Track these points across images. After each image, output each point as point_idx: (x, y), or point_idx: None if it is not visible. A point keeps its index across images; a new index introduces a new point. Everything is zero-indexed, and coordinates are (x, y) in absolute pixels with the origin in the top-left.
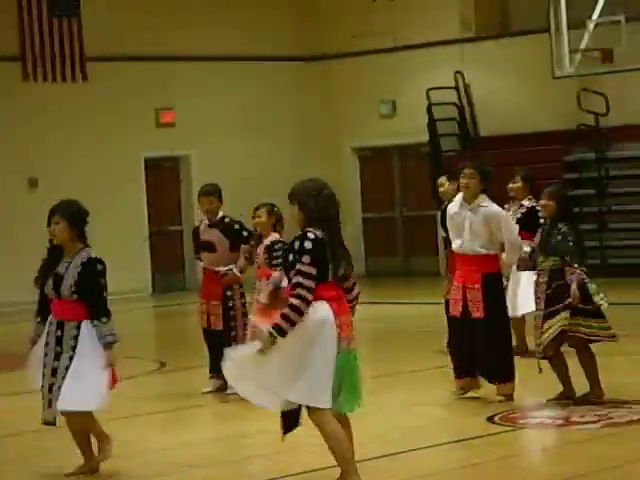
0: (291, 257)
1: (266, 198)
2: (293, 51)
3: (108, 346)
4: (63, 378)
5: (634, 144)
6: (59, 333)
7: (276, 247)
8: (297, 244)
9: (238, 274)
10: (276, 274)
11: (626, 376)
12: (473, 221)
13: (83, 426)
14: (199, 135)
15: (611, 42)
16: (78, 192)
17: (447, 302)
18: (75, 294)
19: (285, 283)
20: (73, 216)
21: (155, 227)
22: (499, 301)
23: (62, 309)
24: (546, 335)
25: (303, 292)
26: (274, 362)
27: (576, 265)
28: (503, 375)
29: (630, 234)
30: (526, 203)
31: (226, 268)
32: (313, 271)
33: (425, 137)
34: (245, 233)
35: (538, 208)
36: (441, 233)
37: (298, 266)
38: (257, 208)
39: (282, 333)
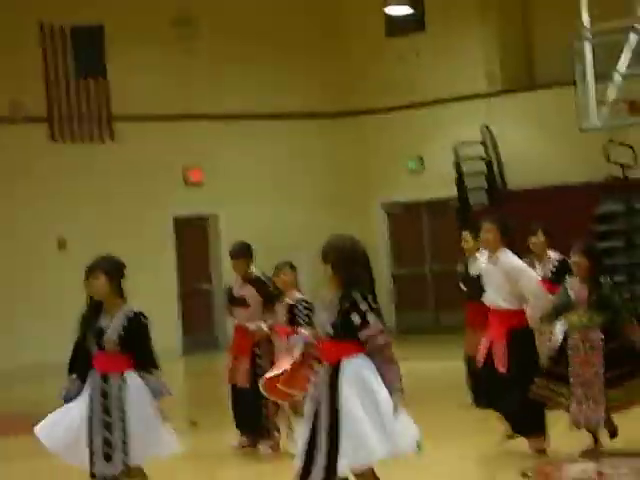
0: (357, 319)
1: (296, 256)
2: (322, 107)
3: (160, 396)
4: (122, 430)
5: None
6: (104, 385)
7: (300, 306)
8: (362, 306)
9: (267, 331)
10: (305, 332)
11: None
12: (494, 275)
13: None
14: (228, 194)
15: (637, 93)
16: (107, 252)
17: (469, 357)
18: (119, 346)
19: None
20: (112, 270)
21: (184, 287)
22: (525, 356)
23: (106, 361)
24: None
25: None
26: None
27: (635, 321)
28: (533, 429)
29: None
30: (554, 256)
31: (255, 324)
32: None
33: (453, 192)
34: (277, 291)
35: (569, 260)
36: (462, 287)
37: (378, 327)
38: (278, 267)
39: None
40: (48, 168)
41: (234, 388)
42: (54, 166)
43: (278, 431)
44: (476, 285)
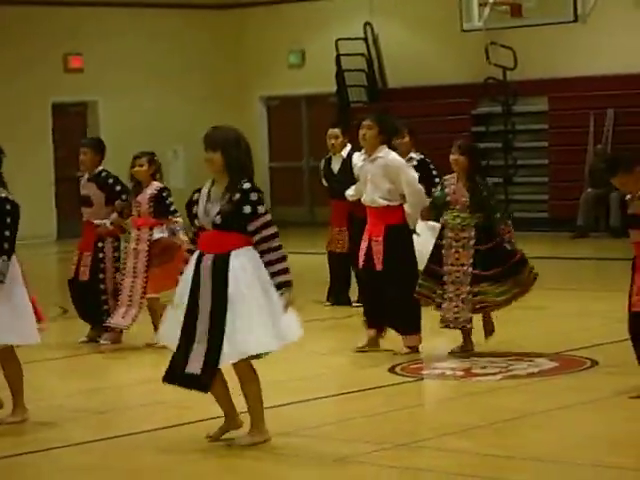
0: (248, 209)
1: (174, 146)
2: None
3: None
4: None
5: (540, 98)
6: None
7: (164, 195)
8: (251, 196)
9: (110, 227)
10: (179, 220)
11: (528, 329)
12: (373, 173)
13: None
14: (108, 82)
15: None
16: None
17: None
18: None
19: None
20: None
21: (60, 173)
22: (402, 253)
23: None
24: (499, 299)
25: (278, 239)
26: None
27: (509, 223)
28: (408, 327)
29: (534, 188)
30: (415, 156)
31: (100, 222)
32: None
33: (333, 88)
34: (118, 188)
35: (428, 160)
36: (324, 183)
37: (266, 217)
38: (137, 157)
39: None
40: None
41: (74, 282)
42: None
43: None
44: (338, 182)
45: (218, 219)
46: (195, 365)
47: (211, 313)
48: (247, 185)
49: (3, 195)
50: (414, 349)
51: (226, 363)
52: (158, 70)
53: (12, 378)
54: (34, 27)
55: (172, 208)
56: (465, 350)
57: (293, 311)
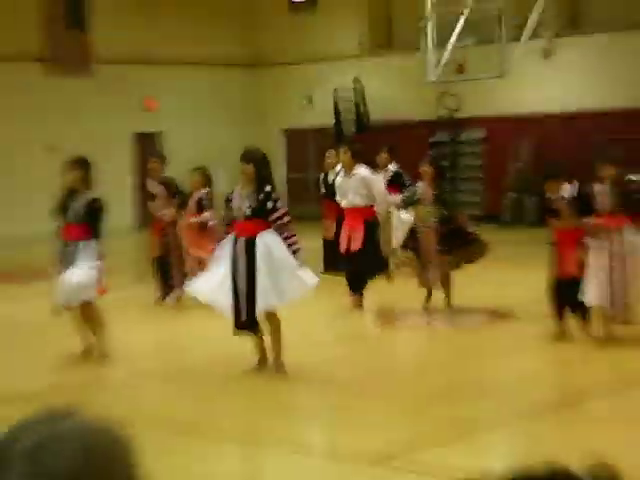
0: (270, 204)
1: (220, 162)
2: (244, 60)
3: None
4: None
5: (477, 130)
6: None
7: (205, 197)
8: (271, 195)
9: (171, 216)
10: (208, 214)
11: (476, 290)
12: (352, 184)
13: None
14: (172, 118)
15: (463, 59)
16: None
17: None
18: (78, 221)
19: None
20: (83, 166)
21: (138, 179)
22: (372, 238)
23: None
24: (452, 265)
25: (293, 231)
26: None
27: (464, 212)
28: (356, 289)
29: (472, 193)
30: (392, 168)
31: (163, 212)
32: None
33: (332, 122)
34: (177, 189)
35: (401, 171)
36: (322, 190)
37: (283, 211)
38: (191, 172)
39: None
40: (42, 99)
41: (158, 260)
42: (47, 97)
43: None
44: (332, 188)
45: (249, 211)
46: (244, 314)
47: (247, 278)
48: (268, 188)
49: (93, 196)
50: (360, 306)
51: (261, 311)
52: (208, 110)
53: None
54: (123, 79)
55: (207, 205)
56: (428, 305)
57: (305, 266)
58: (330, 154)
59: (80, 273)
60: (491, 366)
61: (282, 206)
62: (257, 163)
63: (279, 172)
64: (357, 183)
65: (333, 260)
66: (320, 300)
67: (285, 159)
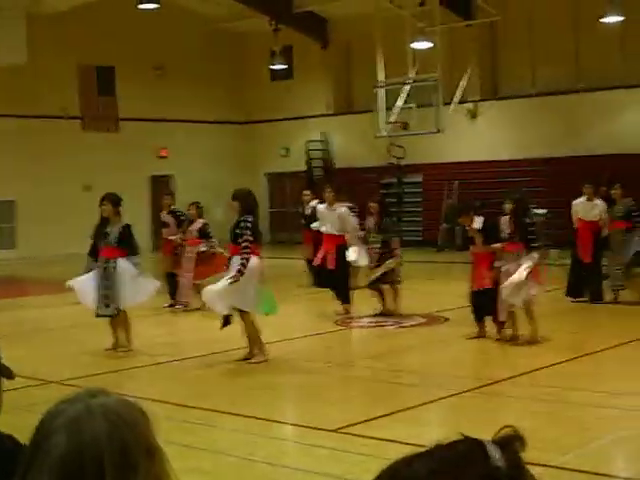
0: (238, 231)
1: (217, 200)
2: (235, 118)
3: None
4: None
5: (417, 174)
6: (106, 265)
7: (206, 227)
8: (242, 224)
9: (180, 240)
10: (214, 241)
11: (412, 300)
12: (332, 216)
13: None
14: (181, 164)
15: (407, 118)
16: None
17: (310, 260)
18: (116, 243)
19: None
20: (115, 200)
21: (154, 215)
22: (343, 259)
23: (108, 251)
24: (377, 274)
25: (248, 250)
26: (234, 288)
27: (398, 241)
28: (344, 299)
29: (414, 223)
30: (347, 204)
31: (173, 237)
32: (252, 238)
33: (304, 168)
34: (183, 218)
35: (354, 207)
36: (302, 221)
37: (245, 236)
38: (190, 204)
39: (242, 273)
40: (82, 147)
41: (169, 274)
42: (85, 145)
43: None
44: (309, 219)
45: (231, 237)
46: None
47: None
48: (243, 220)
49: (126, 223)
50: (347, 311)
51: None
52: (208, 158)
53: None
54: (142, 134)
55: (210, 234)
56: (382, 312)
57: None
58: (305, 193)
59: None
60: (427, 356)
61: (246, 232)
62: (241, 200)
63: (263, 207)
64: (335, 217)
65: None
66: (301, 307)
67: (268, 197)
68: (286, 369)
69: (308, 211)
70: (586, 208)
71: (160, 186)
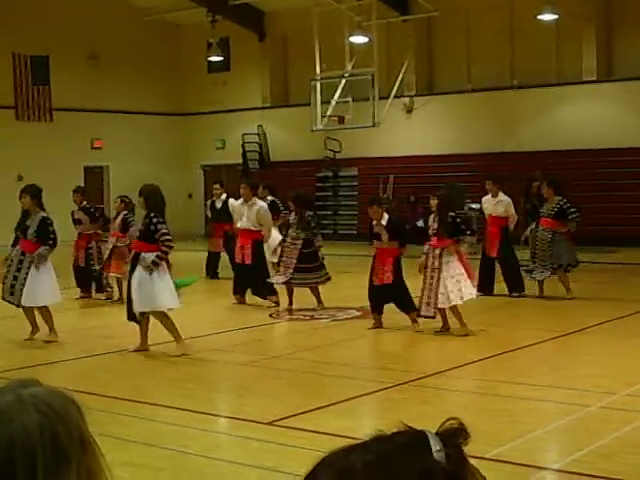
0: (152, 227)
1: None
2: (173, 110)
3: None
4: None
5: (353, 168)
6: (22, 257)
7: (129, 218)
8: (155, 220)
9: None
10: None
11: (342, 293)
12: (248, 212)
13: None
14: (115, 155)
15: (343, 112)
16: (43, 185)
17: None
18: (35, 237)
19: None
20: (35, 192)
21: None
22: (260, 254)
23: (26, 244)
24: (314, 280)
25: (169, 244)
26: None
27: (320, 237)
28: (268, 293)
29: (349, 217)
30: (269, 198)
31: (90, 232)
32: (168, 232)
33: (240, 160)
34: (96, 214)
35: (278, 202)
36: (208, 214)
37: (163, 230)
38: (118, 197)
39: (158, 265)
40: (14, 136)
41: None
42: (18, 134)
43: (110, 287)
44: (219, 213)
45: (137, 233)
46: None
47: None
48: (153, 216)
49: (43, 215)
50: (277, 303)
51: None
52: (143, 150)
53: None
54: (75, 124)
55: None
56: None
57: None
58: (216, 186)
59: (40, 278)
60: (359, 349)
61: (162, 227)
62: (147, 196)
63: (199, 199)
64: (252, 213)
65: (215, 267)
66: (210, 299)
67: (203, 189)
68: (220, 362)
69: (219, 205)
70: (491, 204)
71: (94, 178)
